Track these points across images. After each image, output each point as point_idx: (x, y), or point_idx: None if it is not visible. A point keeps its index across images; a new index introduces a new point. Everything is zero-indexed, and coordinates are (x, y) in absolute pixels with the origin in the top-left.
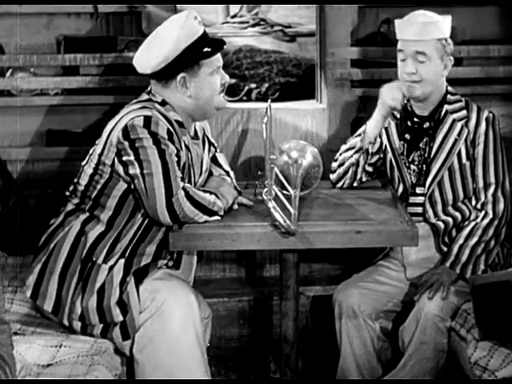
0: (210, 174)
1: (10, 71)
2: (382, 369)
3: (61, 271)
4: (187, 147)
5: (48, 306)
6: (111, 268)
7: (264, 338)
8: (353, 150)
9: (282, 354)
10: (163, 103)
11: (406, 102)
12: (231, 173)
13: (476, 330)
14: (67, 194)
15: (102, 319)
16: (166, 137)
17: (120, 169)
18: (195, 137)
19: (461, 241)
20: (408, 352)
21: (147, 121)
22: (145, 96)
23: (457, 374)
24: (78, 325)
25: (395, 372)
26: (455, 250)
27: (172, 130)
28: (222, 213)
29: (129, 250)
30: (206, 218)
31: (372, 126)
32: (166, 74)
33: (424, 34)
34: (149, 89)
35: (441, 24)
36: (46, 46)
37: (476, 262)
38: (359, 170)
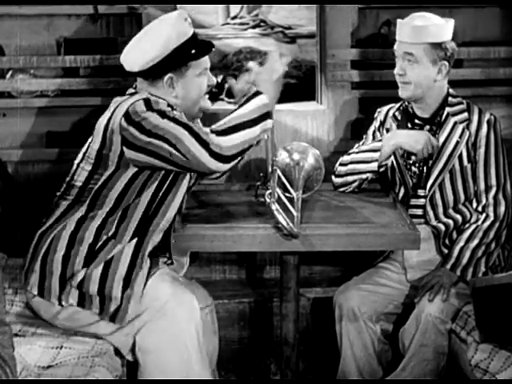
0: None
1: (10, 73)
2: (383, 371)
3: (63, 258)
4: None
5: (54, 299)
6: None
7: (264, 340)
8: (365, 166)
9: (282, 355)
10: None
11: (406, 103)
12: None
13: (476, 332)
14: (58, 194)
15: (101, 290)
16: (170, 109)
17: (132, 154)
18: None
19: (461, 243)
20: (408, 354)
21: (147, 102)
22: (131, 91)
23: (457, 377)
24: (75, 295)
25: (395, 374)
26: (456, 252)
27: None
28: (271, 104)
29: (141, 228)
30: (256, 129)
31: (385, 156)
32: (153, 74)
33: (414, 37)
34: (134, 86)
35: (434, 28)
36: (46, 47)
37: (477, 265)
38: (366, 181)
